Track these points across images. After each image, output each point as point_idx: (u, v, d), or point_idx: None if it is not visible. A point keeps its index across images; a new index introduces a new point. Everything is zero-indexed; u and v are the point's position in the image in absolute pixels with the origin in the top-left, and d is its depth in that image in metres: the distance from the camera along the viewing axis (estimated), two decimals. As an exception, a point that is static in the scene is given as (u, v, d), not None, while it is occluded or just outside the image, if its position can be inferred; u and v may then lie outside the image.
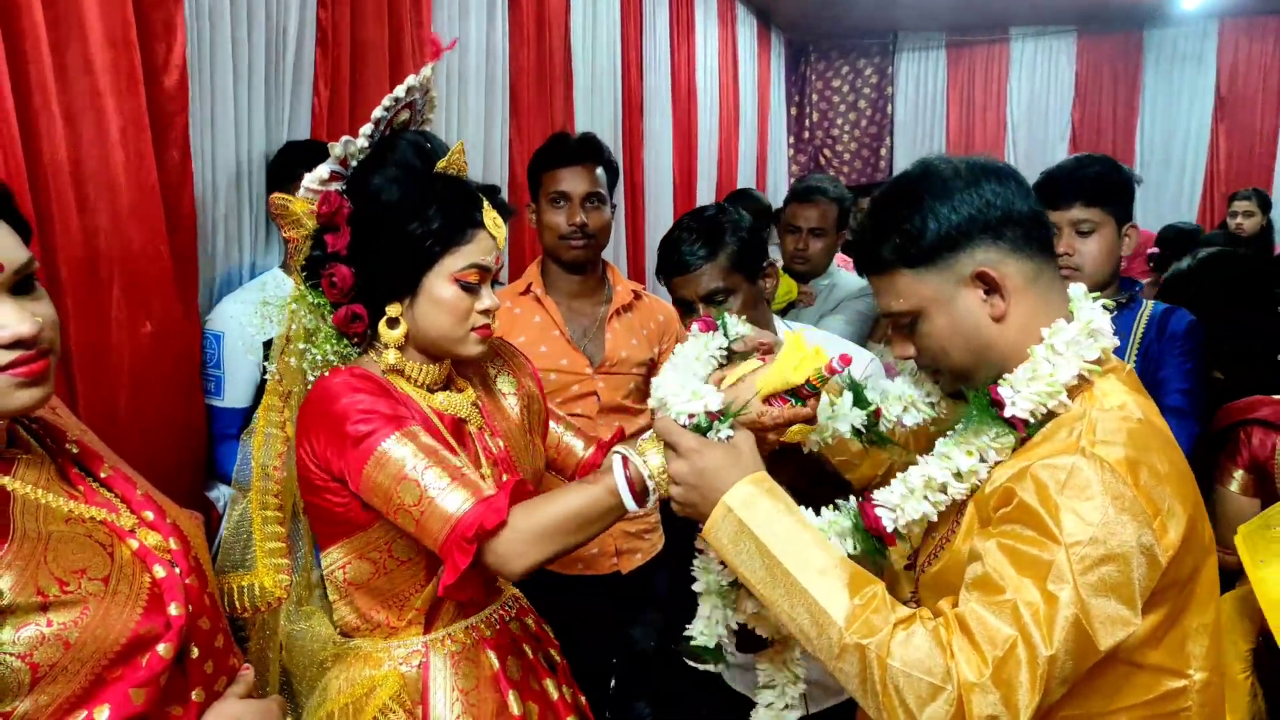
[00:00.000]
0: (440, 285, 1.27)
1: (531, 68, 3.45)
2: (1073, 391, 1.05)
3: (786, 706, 1.34)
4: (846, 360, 1.12)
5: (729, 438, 1.12)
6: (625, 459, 1.17)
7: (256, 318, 1.32)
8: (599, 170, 2.24)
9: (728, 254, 1.72)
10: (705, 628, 1.27)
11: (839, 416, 1.21)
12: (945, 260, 1.08)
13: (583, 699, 1.49)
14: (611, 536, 2.21)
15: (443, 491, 1.15)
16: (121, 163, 1.74)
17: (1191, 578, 1.02)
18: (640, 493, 1.16)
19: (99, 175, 1.71)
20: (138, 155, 1.77)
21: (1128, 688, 1.01)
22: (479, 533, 1.12)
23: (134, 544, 0.99)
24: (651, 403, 1.20)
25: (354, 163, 1.24)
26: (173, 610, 0.98)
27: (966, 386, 1.12)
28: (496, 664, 1.35)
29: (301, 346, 1.28)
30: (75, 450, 1.06)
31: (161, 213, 1.84)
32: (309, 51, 2.30)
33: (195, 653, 1.01)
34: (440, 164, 1.28)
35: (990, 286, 1.08)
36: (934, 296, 1.09)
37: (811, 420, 1.16)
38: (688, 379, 1.18)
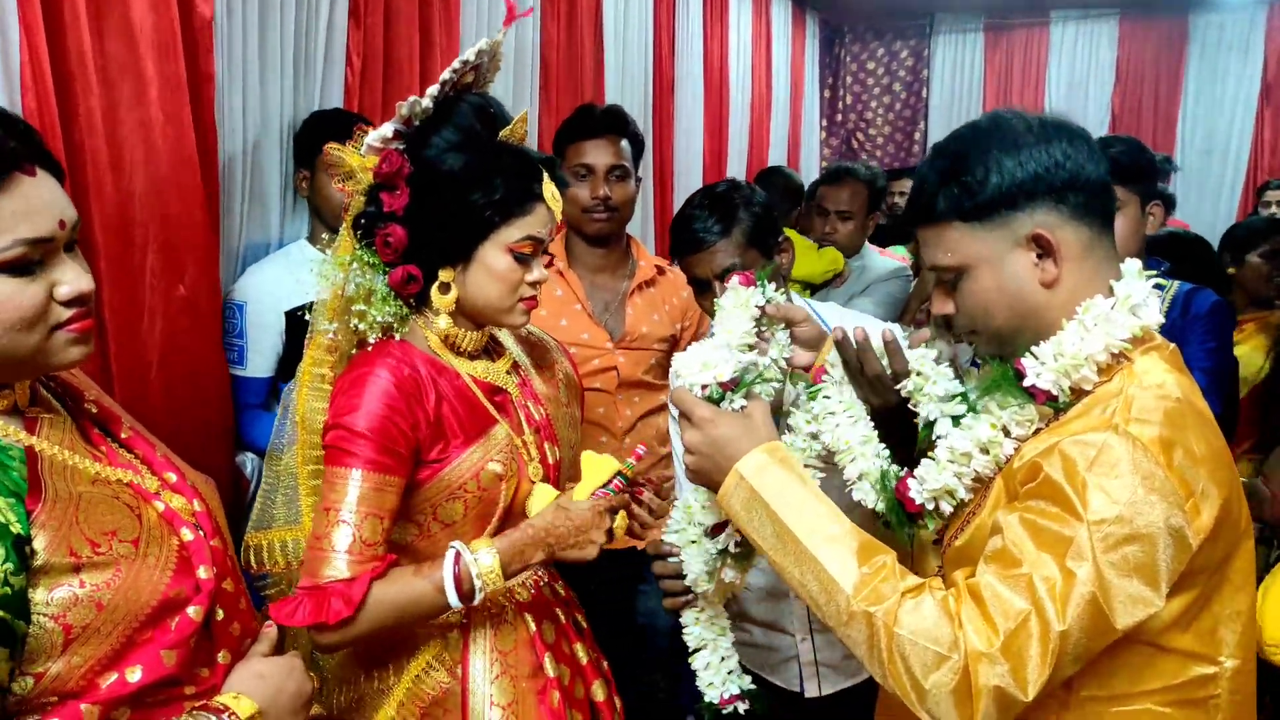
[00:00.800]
0: (495, 255, 1.27)
1: (562, 44, 3.42)
2: (1110, 368, 1.02)
3: (724, 659, 1.35)
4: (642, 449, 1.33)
5: (743, 408, 1.13)
6: (458, 555, 1.20)
7: (314, 278, 1.32)
8: (623, 143, 2.22)
9: (742, 230, 1.68)
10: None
11: (931, 399, 1.12)
12: (1002, 217, 1.04)
13: (605, 664, 1.51)
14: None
15: (333, 552, 1.18)
16: (159, 126, 1.74)
17: (1225, 563, 1.00)
18: (467, 592, 1.20)
19: (136, 139, 1.71)
20: (175, 119, 1.77)
21: (1153, 671, 0.99)
22: (318, 624, 1.15)
23: (160, 506, 1.00)
24: (671, 375, 1.21)
25: (418, 122, 1.24)
26: (202, 573, 0.98)
27: (1003, 354, 1.08)
28: (533, 627, 1.38)
29: (362, 308, 1.28)
30: (94, 410, 1.06)
31: (199, 177, 1.84)
32: (341, 22, 2.29)
33: (220, 615, 1.02)
34: (504, 133, 1.28)
35: (1044, 250, 1.03)
36: (984, 254, 1.05)
37: (622, 506, 1.32)
38: (703, 348, 1.17)
